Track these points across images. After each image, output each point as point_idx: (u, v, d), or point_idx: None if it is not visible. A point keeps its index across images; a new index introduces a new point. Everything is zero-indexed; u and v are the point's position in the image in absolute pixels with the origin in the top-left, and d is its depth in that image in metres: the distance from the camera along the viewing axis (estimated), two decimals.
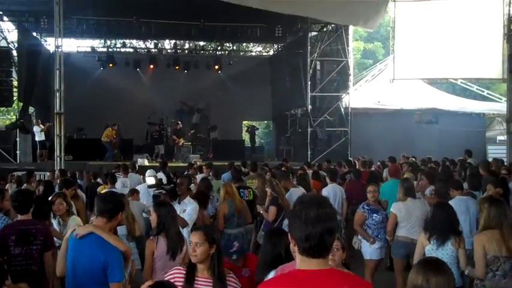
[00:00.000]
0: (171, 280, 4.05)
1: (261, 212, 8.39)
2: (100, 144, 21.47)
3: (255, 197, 9.00)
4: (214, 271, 4.05)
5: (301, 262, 2.55)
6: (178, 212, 6.83)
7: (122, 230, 6.43)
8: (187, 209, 7.04)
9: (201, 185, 8.47)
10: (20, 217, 5.51)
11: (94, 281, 4.31)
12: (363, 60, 40.77)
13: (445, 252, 5.62)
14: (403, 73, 23.40)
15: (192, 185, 8.43)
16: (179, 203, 7.16)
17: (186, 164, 17.09)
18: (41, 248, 5.33)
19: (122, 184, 10.96)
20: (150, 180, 7.31)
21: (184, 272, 4.10)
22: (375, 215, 7.77)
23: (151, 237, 5.36)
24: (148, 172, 9.11)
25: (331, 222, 2.54)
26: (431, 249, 5.70)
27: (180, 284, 4.04)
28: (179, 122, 24.04)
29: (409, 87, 26.04)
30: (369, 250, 7.77)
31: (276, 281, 2.76)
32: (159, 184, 7.10)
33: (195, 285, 4.04)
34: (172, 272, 4.18)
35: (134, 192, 8.30)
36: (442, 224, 5.69)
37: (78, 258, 4.36)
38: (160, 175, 9.80)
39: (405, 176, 10.10)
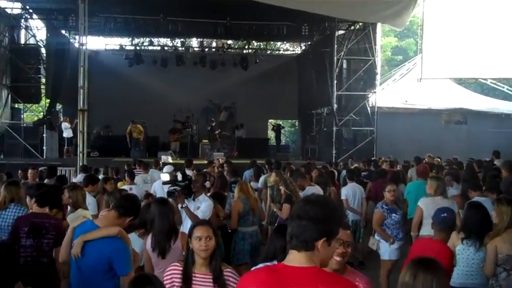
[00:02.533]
0: (169, 277, 4.04)
1: (275, 210, 8.32)
2: (125, 141, 21.75)
3: None
4: (215, 266, 4.00)
5: (288, 255, 2.61)
6: (192, 209, 6.82)
7: None
8: (201, 206, 7.00)
9: (218, 182, 8.42)
10: (35, 209, 5.59)
11: (100, 273, 4.34)
12: (393, 57, 40.37)
13: (481, 255, 5.44)
14: (432, 72, 23.09)
15: (208, 182, 8.40)
16: (194, 200, 7.12)
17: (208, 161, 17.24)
18: (52, 242, 5.42)
19: (142, 180, 11.01)
20: (165, 177, 7.27)
21: (181, 269, 4.04)
22: (393, 214, 7.65)
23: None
24: (166, 168, 9.11)
25: (315, 220, 2.52)
26: (463, 250, 5.54)
27: (178, 281, 4.00)
28: (213, 119, 24.25)
29: (438, 87, 25.64)
30: (388, 250, 7.64)
31: (258, 271, 2.86)
32: (173, 181, 7.05)
33: (194, 282, 3.97)
34: (170, 269, 4.13)
35: (149, 196, 8.32)
36: (479, 226, 5.50)
37: (84, 251, 4.38)
38: (189, 172, 9.78)
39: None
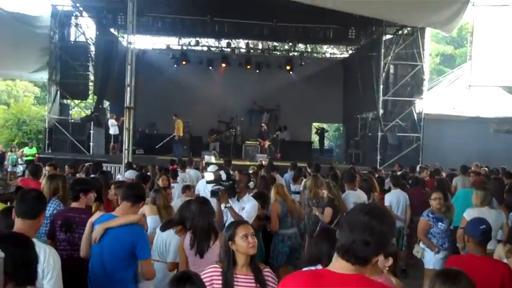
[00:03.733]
0: (208, 279, 3.90)
1: (317, 214, 8.20)
2: (170, 140, 21.98)
3: None
4: (255, 265, 3.96)
5: (333, 260, 2.49)
6: (237, 210, 6.77)
7: (154, 220, 6.40)
8: (246, 207, 6.95)
9: (261, 183, 8.37)
10: (72, 204, 5.67)
11: (122, 261, 4.50)
12: (440, 66, 39.63)
13: None
14: (481, 79, 22.51)
15: (252, 183, 8.36)
16: (238, 200, 7.10)
17: (253, 163, 17.28)
18: None
19: (181, 179, 11.05)
20: (209, 176, 7.26)
21: (221, 271, 3.95)
22: (440, 223, 7.49)
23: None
24: (210, 168, 9.11)
25: (372, 235, 2.37)
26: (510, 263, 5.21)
27: (218, 283, 3.91)
28: (263, 124, 24.15)
29: (487, 95, 24.99)
30: (433, 260, 7.46)
31: (300, 274, 2.70)
32: (217, 180, 7.04)
33: (235, 284, 3.89)
34: (209, 271, 4.00)
35: (187, 188, 8.30)
36: None
37: (106, 241, 4.53)
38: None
39: None
